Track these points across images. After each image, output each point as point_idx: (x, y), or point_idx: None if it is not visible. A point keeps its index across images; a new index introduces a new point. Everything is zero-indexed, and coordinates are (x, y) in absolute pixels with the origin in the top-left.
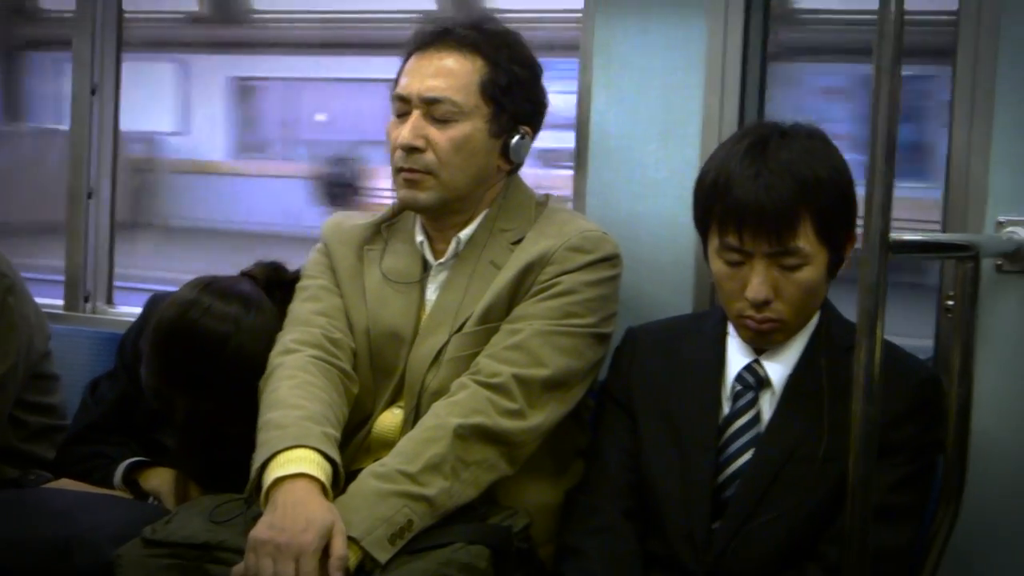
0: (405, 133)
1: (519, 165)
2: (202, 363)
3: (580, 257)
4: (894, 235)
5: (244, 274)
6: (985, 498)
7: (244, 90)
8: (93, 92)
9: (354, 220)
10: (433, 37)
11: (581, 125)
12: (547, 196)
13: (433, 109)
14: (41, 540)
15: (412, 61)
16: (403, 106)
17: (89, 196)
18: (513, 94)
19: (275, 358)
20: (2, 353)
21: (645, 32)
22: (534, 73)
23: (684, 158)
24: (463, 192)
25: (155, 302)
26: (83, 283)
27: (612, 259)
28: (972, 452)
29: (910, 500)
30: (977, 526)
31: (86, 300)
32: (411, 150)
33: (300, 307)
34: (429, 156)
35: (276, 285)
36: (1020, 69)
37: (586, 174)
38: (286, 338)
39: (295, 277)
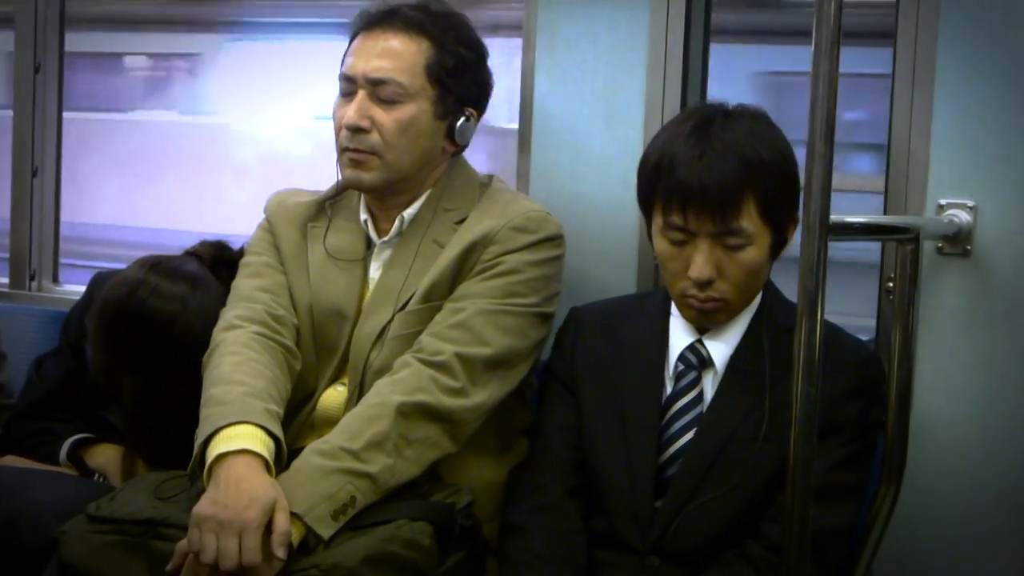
0: (351, 113)
1: (464, 146)
2: (150, 343)
3: (523, 237)
4: (834, 217)
5: (189, 253)
6: (926, 477)
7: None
8: (37, 70)
9: (298, 197)
10: (380, 17)
11: (524, 106)
12: (491, 177)
13: (379, 90)
14: None
15: (358, 41)
16: (349, 86)
17: (34, 174)
18: (459, 76)
19: (218, 334)
20: None
21: (588, 14)
22: (480, 55)
23: (627, 139)
24: (407, 173)
25: (99, 280)
26: (29, 261)
27: (555, 239)
28: (913, 432)
29: (851, 479)
30: (918, 505)
31: (32, 278)
32: (356, 130)
33: (243, 283)
34: (374, 137)
35: (221, 263)
36: (961, 51)
37: (530, 155)
38: (229, 314)
39: (239, 255)
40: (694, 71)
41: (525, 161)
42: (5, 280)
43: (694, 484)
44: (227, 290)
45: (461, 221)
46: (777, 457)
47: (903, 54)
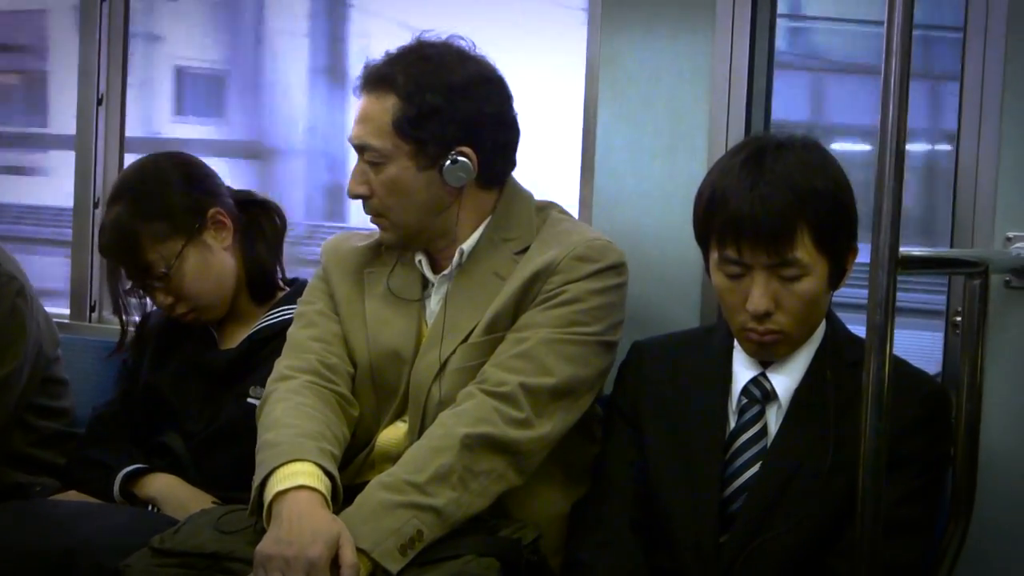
0: (349, 182)
1: (505, 173)
2: None
3: (586, 266)
4: (903, 250)
5: None
6: (996, 512)
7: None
8: (100, 102)
9: (352, 242)
10: (361, 77)
11: (587, 138)
12: (550, 203)
13: (365, 155)
14: (43, 550)
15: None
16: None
17: (96, 206)
18: (427, 125)
19: (270, 384)
20: (10, 355)
21: (651, 46)
22: (451, 96)
23: (690, 171)
24: (418, 227)
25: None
26: (89, 293)
27: (618, 267)
28: (981, 466)
29: (919, 513)
30: (988, 540)
31: (92, 310)
32: (357, 197)
33: (296, 333)
34: (375, 201)
35: None
36: None
37: (592, 187)
38: (281, 365)
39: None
40: (757, 101)
41: (588, 192)
42: (66, 311)
43: (759, 519)
44: None
45: (522, 252)
46: (843, 491)
47: (970, 85)
